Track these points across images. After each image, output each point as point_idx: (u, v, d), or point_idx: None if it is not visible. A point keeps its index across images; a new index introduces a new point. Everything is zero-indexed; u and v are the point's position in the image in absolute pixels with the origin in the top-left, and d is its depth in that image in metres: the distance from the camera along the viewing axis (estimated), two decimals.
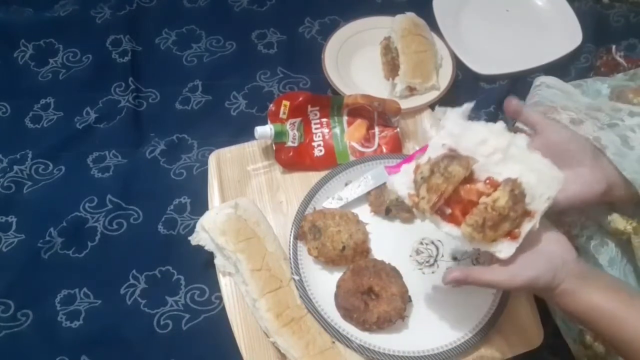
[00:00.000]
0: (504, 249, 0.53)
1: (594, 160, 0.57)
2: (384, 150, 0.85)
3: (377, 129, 0.87)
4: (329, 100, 0.86)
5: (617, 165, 0.56)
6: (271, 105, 0.84)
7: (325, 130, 0.87)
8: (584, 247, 0.65)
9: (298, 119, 0.85)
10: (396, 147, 0.86)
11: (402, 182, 0.56)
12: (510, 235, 0.53)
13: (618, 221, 0.62)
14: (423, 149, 0.82)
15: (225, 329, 0.72)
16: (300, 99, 0.84)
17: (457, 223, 0.53)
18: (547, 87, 0.77)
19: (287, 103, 0.84)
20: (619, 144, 0.58)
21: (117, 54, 1.02)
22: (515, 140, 0.54)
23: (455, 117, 0.56)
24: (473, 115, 0.59)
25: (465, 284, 0.56)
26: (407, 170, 0.56)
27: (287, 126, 0.84)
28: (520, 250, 0.53)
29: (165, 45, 1.04)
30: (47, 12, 1.08)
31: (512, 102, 0.60)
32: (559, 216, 0.65)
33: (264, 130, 0.82)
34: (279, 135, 0.83)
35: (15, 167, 0.89)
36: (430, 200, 0.52)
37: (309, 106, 0.85)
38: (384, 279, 0.70)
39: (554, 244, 0.55)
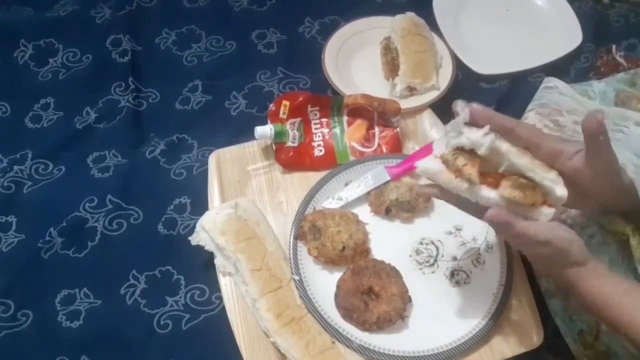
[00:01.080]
0: (545, 212, 0.52)
1: (606, 199, 0.56)
2: (384, 150, 0.85)
3: (377, 129, 0.87)
4: (329, 100, 0.86)
5: (637, 186, 0.54)
6: (271, 105, 0.84)
7: (325, 130, 0.87)
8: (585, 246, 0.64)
9: (298, 119, 0.85)
10: (396, 147, 0.85)
11: (432, 163, 0.55)
12: (546, 203, 0.53)
13: (617, 222, 0.62)
14: (423, 148, 0.82)
15: (225, 329, 0.72)
16: (300, 99, 0.84)
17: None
18: (559, 94, 0.76)
19: (287, 103, 0.84)
20: (635, 160, 0.56)
21: (117, 54, 1.02)
22: (516, 158, 0.52)
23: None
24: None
25: (504, 225, 0.52)
26: (434, 154, 0.56)
27: (287, 126, 0.84)
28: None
29: (165, 45, 1.04)
30: (47, 12, 1.08)
31: (597, 119, 0.48)
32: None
33: (264, 130, 0.82)
34: (279, 135, 0.83)
35: (15, 167, 0.89)
36: (475, 165, 0.52)
37: (309, 106, 0.85)
38: (384, 279, 0.70)
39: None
